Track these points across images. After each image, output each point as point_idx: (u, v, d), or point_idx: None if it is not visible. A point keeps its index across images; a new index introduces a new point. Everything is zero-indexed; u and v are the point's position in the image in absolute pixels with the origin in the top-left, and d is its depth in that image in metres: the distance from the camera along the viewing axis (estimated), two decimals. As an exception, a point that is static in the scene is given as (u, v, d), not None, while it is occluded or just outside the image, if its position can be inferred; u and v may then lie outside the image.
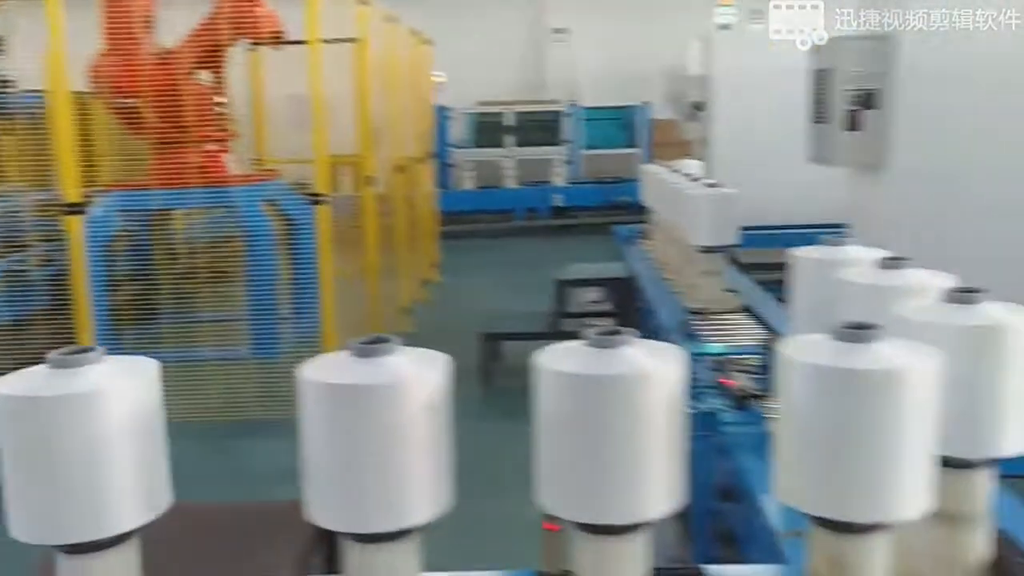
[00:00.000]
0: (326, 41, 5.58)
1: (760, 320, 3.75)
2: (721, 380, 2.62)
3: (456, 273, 9.78)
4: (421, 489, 1.26)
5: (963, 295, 1.55)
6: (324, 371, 1.26)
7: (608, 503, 1.27)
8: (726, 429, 2.36)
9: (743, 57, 7.01)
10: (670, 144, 10.99)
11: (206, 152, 5.64)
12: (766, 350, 2.68)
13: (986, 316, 1.49)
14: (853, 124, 3.89)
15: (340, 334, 5.88)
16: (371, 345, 1.28)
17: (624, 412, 1.26)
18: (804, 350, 1.31)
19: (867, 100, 3.85)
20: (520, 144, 13.86)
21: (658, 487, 1.28)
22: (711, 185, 4.63)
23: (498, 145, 13.91)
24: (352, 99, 7.33)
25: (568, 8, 16.42)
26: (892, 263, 1.84)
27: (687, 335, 3.63)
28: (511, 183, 13.63)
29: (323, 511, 1.25)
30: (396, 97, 7.74)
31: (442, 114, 13.91)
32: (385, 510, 1.24)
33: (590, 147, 14.27)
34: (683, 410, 1.33)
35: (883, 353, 1.27)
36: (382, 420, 1.22)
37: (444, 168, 13.88)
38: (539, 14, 16.59)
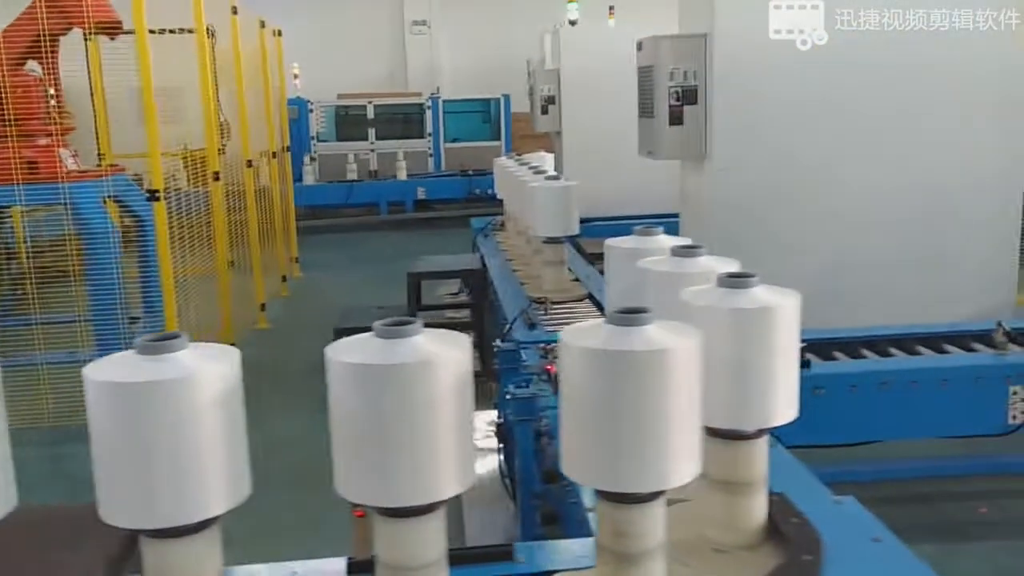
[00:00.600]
0: (158, 31, 5.40)
1: (602, 308, 3.89)
2: (547, 367, 2.73)
3: (318, 268, 9.65)
4: (214, 481, 1.26)
5: (736, 280, 1.68)
6: (108, 370, 1.26)
7: (400, 486, 1.31)
8: (547, 414, 2.47)
9: (590, 52, 7.20)
10: (531, 137, 11.16)
11: (38, 147, 5.37)
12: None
13: (755, 299, 1.63)
14: (675, 119, 4.10)
15: (193, 334, 5.73)
16: (157, 342, 1.29)
17: (410, 398, 1.30)
18: (579, 335, 1.40)
19: (688, 96, 4.07)
20: (382, 137, 13.77)
21: (448, 469, 1.33)
22: (552, 177, 4.79)
23: (360, 138, 13.77)
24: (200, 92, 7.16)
25: (427, 1, 16.41)
26: (686, 251, 2.04)
27: (528, 324, 3.73)
28: (373, 177, 13.53)
29: (114, 509, 1.25)
30: (245, 90, 7.56)
31: (302, 107, 13.66)
32: (177, 503, 1.25)
33: (453, 140, 14.32)
34: (470, 395, 1.37)
35: (650, 335, 1.37)
36: (167, 415, 1.23)
37: (309, 161, 13.65)
38: (399, 6, 16.49)
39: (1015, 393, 3.28)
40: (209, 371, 1.27)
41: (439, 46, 16.55)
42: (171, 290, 4.62)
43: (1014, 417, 3.28)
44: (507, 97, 13.51)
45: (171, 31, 5.71)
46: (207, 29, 7.93)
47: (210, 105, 5.61)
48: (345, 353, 1.30)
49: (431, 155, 13.74)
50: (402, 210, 12.99)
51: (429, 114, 13.79)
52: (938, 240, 4.32)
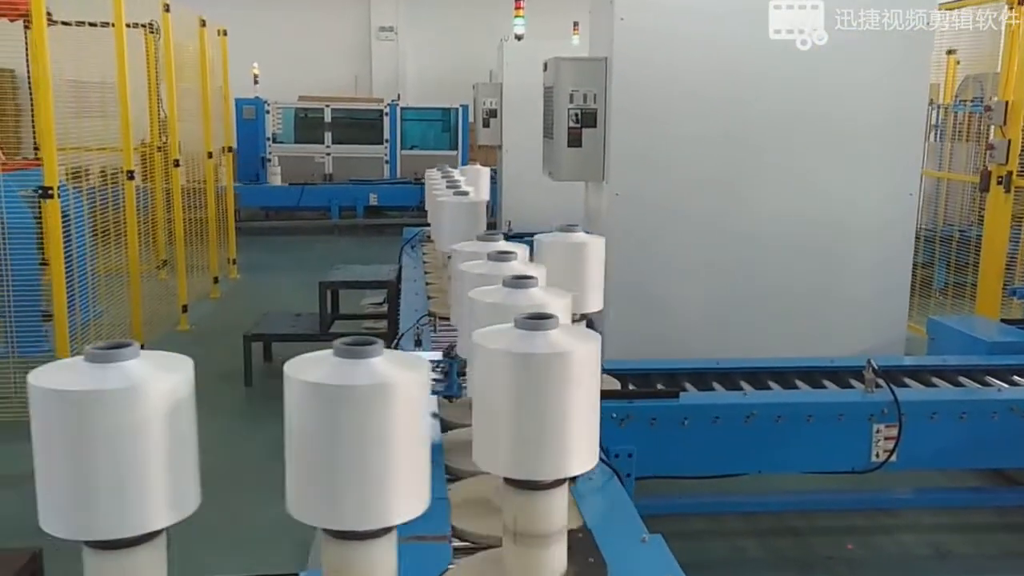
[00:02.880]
0: (76, 24, 5.33)
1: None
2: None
3: (258, 270, 9.56)
4: (158, 494, 1.24)
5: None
6: (52, 377, 1.23)
7: (354, 510, 1.31)
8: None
9: (530, 67, 7.17)
10: (489, 148, 11.13)
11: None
12: (448, 356, 2.76)
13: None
14: (574, 141, 4.09)
15: (111, 332, 5.69)
16: (106, 350, 1.26)
17: (366, 422, 1.28)
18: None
19: (587, 119, 4.06)
20: (339, 141, 13.71)
21: (402, 493, 1.33)
22: (460, 192, 4.76)
23: (317, 141, 13.71)
24: (137, 87, 7.07)
25: (396, 7, 16.38)
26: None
27: (416, 340, 3.69)
28: (328, 180, 13.46)
29: (53, 518, 1.22)
30: (184, 88, 7.50)
31: (260, 107, 13.57)
32: (119, 515, 1.22)
33: (412, 147, 14.28)
34: (426, 418, 1.36)
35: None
36: (110, 426, 1.20)
37: (260, 162, 13.55)
38: (367, 12, 16.45)
39: (878, 431, 3.28)
40: (157, 381, 1.25)
41: (405, 53, 16.52)
42: (61, 289, 4.52)
43: (877, 455, 3.29)
44: (465, 107, 13.49)
45: (91, 24, 5.62)
46: (151, 24, 7.89)
47: (124, 100, 5.52)
48: (303, 371, 1.30)
49: (387, 161, 13.69)
50: (353, 215, 12.92)
51: (387, 120, 13.75)
52: (836, 273, 4.33)
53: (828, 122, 4.20)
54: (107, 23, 6.28)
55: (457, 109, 13.87)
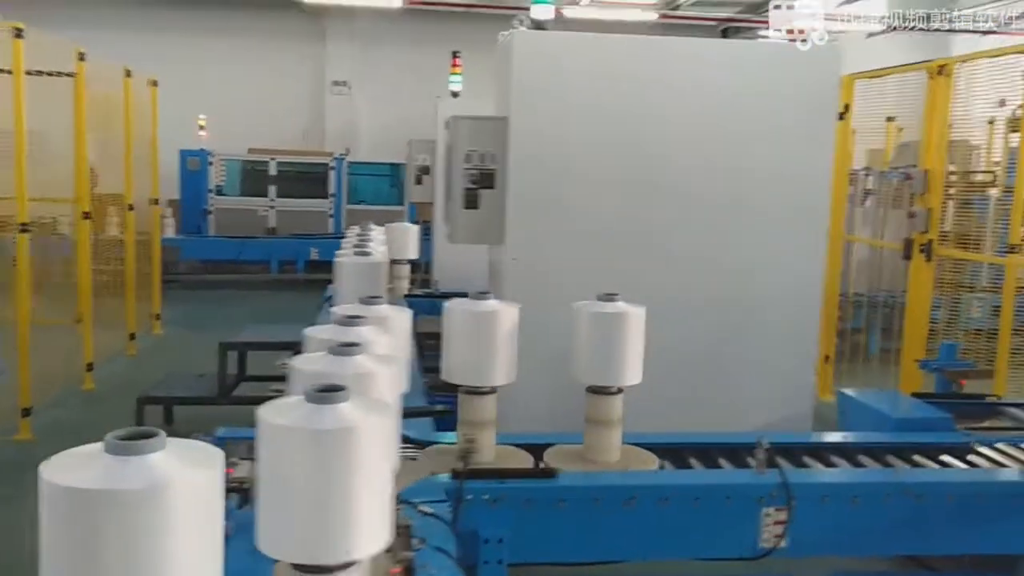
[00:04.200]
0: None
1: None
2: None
3: (185, 326, 9.27)
4: None
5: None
6: (65, 470, 1.17)
7: (317, 544, 1.47)
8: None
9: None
10: (421, 204, 11.01)
11: None
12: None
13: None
14: (470, 202, 3.94)
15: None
16: (128, 441, 1.21)
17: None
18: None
19: (485, 180, 3.92)
20: (284, 195, 13.53)
21: (364, 530, 1.51)
22: (361, 252, 4.60)
23: (261, 194, 13.52)
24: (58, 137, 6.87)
25: (351, 61, 16.38)
26: (343, 350, 2.08)
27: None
28: (271, 234, 13.25)
29: None
30: (104, 138, 7.30)
31: (203, 159, 13.39)
32: None
33: (359, 202, 14.16)
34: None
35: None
36: (128, 529, 1.14)
37: (202, 214, 13.32)
38: (321, 65, 16.43)
39: (767, 515, 3.10)
40: (185, 479, 1.18)
41: (358, 107, 16.48)
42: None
43: (766, 540, 3.10)
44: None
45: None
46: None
47: (20, 149, 5.31)
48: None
49: (331, 215, 13.53)
50: (294, 270, 12.69)
51: (333, 174, 13.61)
52: (744, 339, 4.19)
53: (734, 183, 4.11)
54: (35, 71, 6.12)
55: (405, 164, 13.80)
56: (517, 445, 3.30)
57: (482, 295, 3.08)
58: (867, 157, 9.87)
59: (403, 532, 2.32)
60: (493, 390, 3.09)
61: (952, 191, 8.45)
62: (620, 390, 3.21)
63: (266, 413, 1.53)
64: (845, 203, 6.74)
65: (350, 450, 1.50)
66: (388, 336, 2.45)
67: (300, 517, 1.48)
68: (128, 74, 7.61)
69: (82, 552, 1.14)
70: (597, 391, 3.18)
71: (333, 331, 2.42)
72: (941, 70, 5.58)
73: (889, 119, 9.35)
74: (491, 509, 2.95)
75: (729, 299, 4.17)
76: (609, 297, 3.20)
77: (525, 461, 3.21)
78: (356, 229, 6.32)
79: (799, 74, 4.03)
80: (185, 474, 1.20)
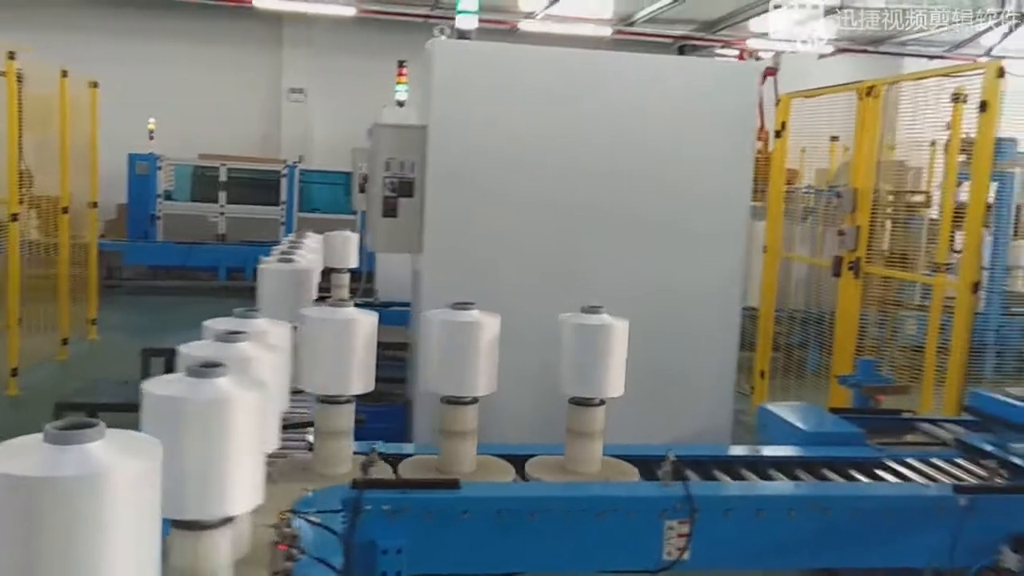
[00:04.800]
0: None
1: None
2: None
3: (122, 332, 9.10)
4: None
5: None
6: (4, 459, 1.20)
7: None
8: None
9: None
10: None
11: None
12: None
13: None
14: (389, 211, 3.91)
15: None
16: (67, 431, 1.25)
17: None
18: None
19: (403, 188, 3.89)
20: (234, 201, 13.39)
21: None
22: (285, 260, 4.54)
23: (212, 200, 13.37)
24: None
25: (307, 69, 16.29)
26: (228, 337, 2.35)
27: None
28: (221, 240, 13.10)
29: None
30: (35, 139, 7.16)
31: (152, 163, 13.20)
32: None
33: (313, 210, 14.04)
34: (154, 507, 1.29)
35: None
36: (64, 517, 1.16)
37: (150, 219, 13.13)
38: (278, 72, 16.32)
39: (671, 528, 3.10)
40: (124, 467, 1.22)
41: (314, 115, 16.39)
42: None
43: (669, 553, 3.10)
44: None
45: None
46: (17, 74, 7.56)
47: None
48: (158, 388, 1.81)
49: (283, 223, 13.41)
50: (242, 277, 12.54)
51: (284, 182, 13.50)
52: (666, 352, 4.20)
53: (655, 200, 4.12)
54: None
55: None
56: (498, 455, 3.33)
57: (462, 305, 3.12)
58: (815, 176, 10.03)
59: (290, 542, 2.28)
60: (474, 400, 3.13)
61: (890, 211, 8.62)
62: (603, 402, 3.25)
63: (150, 386, 1.80)
64: (781, 220, 6.81)
65: (225, 419, 1.74)
66: (269, 352, 2.44)
67: (184, 479, 1.69)
68: (65, 74, 7.48)
69: (21, 539, 1.16)
70: (580, 403, 3.22)
71: (209, 348, 2.35)
72: (870, 91, 5.67)
73: (833, 139, 9.50)
74: (390, 520, 2.91)
75: (651, 315, 4.16)
76: (593, 309, 3.21)
77: (506, 471, 3.23)
78: (291, 236, 6.26)
79: (719, 92, 4.07)
80: (123, 462, 1.23)
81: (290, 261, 4.57)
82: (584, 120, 4.02)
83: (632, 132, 4.03)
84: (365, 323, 2.96)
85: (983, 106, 4.68)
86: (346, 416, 3.06)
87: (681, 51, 16.68)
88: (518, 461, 3.32)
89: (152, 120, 13.95)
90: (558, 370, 3.23)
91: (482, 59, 3.96)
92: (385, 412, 5.07)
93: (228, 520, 1.81)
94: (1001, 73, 4.64)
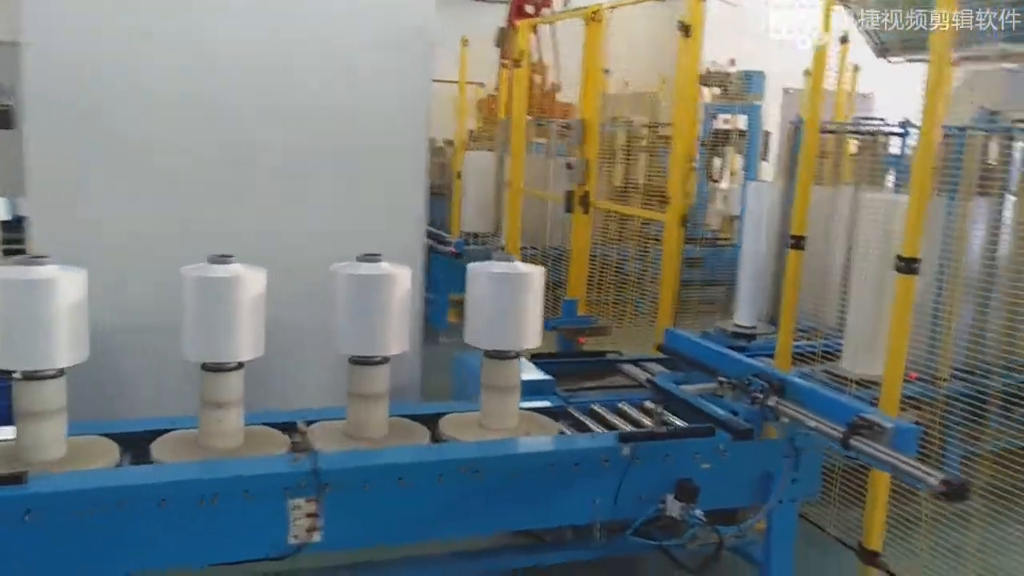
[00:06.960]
0: None
1: None
2: None
3: None
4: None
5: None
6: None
7: None
8: None
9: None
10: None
11: None
12: None
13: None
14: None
15: None
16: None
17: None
18: None
19: (2, 119, 3.20)
20: None
21: None
22: None
23: None
24: None
25: None
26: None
27: None
28: None
29: None
30: None
31: None
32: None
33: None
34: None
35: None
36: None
37: None
38: None
39: (297, 507, 2.69)
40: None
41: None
42: None
43: (295, 536, 2.69)
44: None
45: None
46: None
47: None
48: None
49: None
50: None
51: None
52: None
53: (321, 134, 3.64)
54: None
55: None
56: (412, 416, 3.25)
57: (370, 257, 3.01)
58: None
59: None
60: (385, 359, 3.06)
61: (644, 144, 8.57)
62: (518, 355, 3.20)
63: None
64: (523, 155, 6.50)
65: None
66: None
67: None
68: None
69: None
70: (495, 356, 3.15)
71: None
72: (594, 16, 5.38)
73: (606, 71, 9.33)
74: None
75: (323, 255, 3.70)
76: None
77: (422, 434, 3.14)
78: None
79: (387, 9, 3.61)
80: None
81: None
82: (222, 32, 3.44)
83: (282, 48, 3.50)
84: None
85: (686, 30, 4.47)
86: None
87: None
88: (431, 421, 3.24)
89: None
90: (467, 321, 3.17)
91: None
92: None
93: None
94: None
